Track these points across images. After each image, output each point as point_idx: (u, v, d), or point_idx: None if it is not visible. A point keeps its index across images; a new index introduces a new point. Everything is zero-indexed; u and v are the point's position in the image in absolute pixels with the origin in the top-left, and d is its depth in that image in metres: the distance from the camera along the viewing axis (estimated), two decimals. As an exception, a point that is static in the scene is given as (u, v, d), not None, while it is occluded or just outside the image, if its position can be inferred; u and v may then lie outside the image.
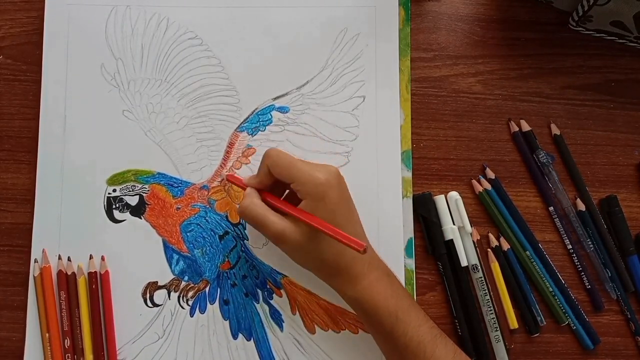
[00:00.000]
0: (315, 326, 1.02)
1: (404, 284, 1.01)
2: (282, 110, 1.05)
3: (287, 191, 0.99)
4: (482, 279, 1.02)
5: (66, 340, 1.00)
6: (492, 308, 1.02)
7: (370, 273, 0.93)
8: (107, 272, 1.01)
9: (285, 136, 1.05)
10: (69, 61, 1.05)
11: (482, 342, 1.02)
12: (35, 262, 1.01)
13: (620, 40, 1.06)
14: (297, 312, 1.02)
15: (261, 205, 0.93)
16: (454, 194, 1.04)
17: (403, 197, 1.03)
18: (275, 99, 1.05)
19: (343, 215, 0.92)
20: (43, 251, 1.01)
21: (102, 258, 1.01)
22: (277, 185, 0.96)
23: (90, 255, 1.01)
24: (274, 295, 1.03)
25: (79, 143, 1.04)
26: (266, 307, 1.02)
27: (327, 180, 0.91)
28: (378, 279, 0.93)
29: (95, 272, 1.01)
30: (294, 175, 0.91)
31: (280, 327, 1.02)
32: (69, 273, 1.01)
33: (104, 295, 1.01)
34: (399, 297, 0.92)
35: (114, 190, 1.03)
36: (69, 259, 1.01)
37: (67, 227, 1.02)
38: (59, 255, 1.01)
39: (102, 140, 1.04)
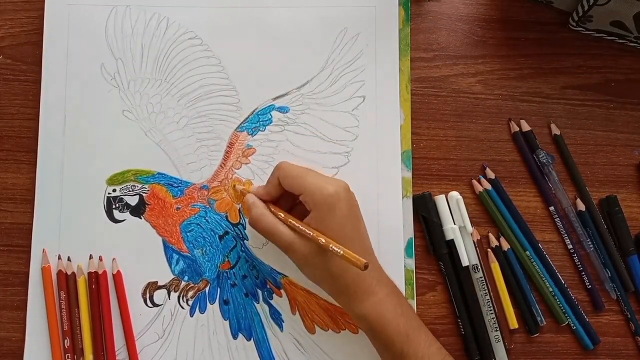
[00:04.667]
0: (315, 326, 1.02)
1: (404, 284, 1.02)
2: (282, 110, 1.05)
3: (296, 204, 0.99)
4: (482, 279, 1.02)
5: (66, 340, 1.00)
6: (492, 308, 1.02)
7: (379, 290, 0.92)
8: (104, 272, 1.01)
9: (285, 136, 1.05)
10: (68, 61, 1.05)
11: (484, 341, 1.02)
12: (35, 262, 1.01)
13: (620, 41, 1.07)
14: (297, 312, 1.02)
15: (270, 216, 0.94)
16: (454, 194, 1.04)
17: (403, 197, 1.03)
18: (275, 98, 1.06)
19: (350, 229, 0.92)
20: (43, 251, 1.01)
21: (100, 258, 1.02)
22: (285, 197, 0.97)
23: (90, 255, 1.01)
24: (274, 295, 1.03)
25: (79, 143, 1.04)
26: (266, 307, 1.02)
27: (337, 193, 0.91)
28: (387, 296, 0.92)
29: (95, 272, 1.01)
30: (303, 186, 0.92)
31: (280, 327, 1.02)
32: (69, 273, 1.01)
33: (102, 295, 1.01)
34: (409, 317, 0.92)
35: (114, 190, 1.03)
36: (68, 259, 1.01)
37: (67, 227, 1.02)
38: (59, 255, 1.01)
39: (102, 140, 1.04)
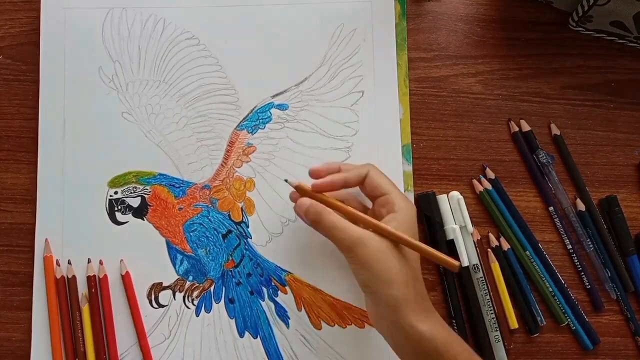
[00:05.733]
0: (322, 322, 1.03)
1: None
2: (281, 107, 1.06)
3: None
4: (483, 279, 1.03)
5: (70, 343, 1.00)
6: (492, 308, 1.03)
7: (435, 311, 0.89)
8: (105, 275, 1.02)
9: (285, 133, 1.06)
10: (66, 65, 1.05)
11: (483, 342, 1.03)
12: (39, 267, 1.02)
13: (620, 41, 1.07)
14: (303, 309, 1.03)
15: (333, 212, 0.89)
16: (455, 194, 1.04)
17: (405, 191, 1.04)
18: (274, 96, 1.06)
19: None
20: (47, 256, 1.02)
21: (100, 262, 1.02)
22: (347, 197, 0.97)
23: (89, 259, 1.02)
24: (279, 292, 1.04)
25: (79, 146, 1.04)
26: (272, 305, 1.04)
27: (415, 211, 0.92)
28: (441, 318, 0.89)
29: (94, 275, 1.02)
30: (393, 188, 0.92)
31: (286, 324, 1.03)
32: (70, 276, 1.01)
33: (103, 298, 1.02)
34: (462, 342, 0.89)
35: (116, 193, 1.03)
36: (69, 262, 1.02)
37: (70, 231, 1.03)
38: (62, 259, 1.02)
39: (102, 142, 1.04)
